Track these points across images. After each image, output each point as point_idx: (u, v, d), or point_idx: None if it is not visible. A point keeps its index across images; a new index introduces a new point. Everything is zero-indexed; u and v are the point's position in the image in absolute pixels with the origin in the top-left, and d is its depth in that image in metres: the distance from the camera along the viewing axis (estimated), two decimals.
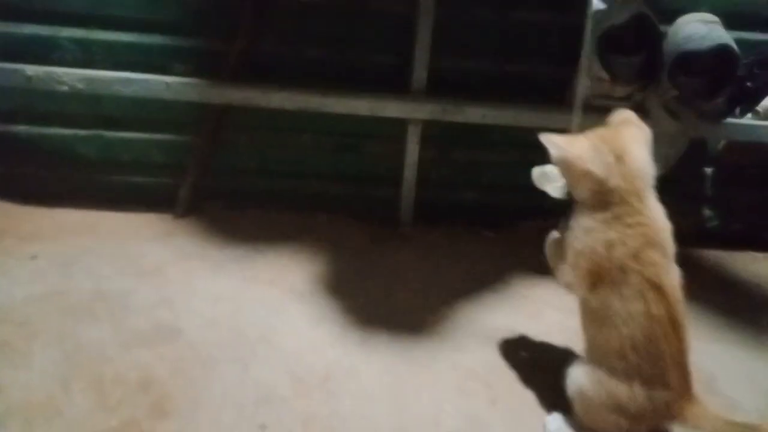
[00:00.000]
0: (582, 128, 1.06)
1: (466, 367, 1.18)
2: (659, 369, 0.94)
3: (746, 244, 1.77)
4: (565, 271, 1.01)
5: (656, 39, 1.42)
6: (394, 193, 1.70)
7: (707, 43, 1.39)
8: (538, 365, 1.20)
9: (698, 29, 1.44)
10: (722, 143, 1.65)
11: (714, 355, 1.28)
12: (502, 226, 1.76)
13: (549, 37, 1.56)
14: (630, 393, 0.93)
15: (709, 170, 1.74)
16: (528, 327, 1.33)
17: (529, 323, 1.35)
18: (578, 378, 0.98)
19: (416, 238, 1.67)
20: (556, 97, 1.59)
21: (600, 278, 0.95)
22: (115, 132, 1.60)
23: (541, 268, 1.54)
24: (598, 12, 1.39)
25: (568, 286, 1.02)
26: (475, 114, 1.48)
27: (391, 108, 1.48)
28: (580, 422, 0.99)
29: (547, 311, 1.39)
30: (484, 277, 1.52)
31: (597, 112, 1.49)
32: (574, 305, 1.38)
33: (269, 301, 1.33)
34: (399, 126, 1.60)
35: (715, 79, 1.44)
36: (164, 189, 1.64)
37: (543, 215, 1.77)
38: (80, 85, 1.42)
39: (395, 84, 1.55)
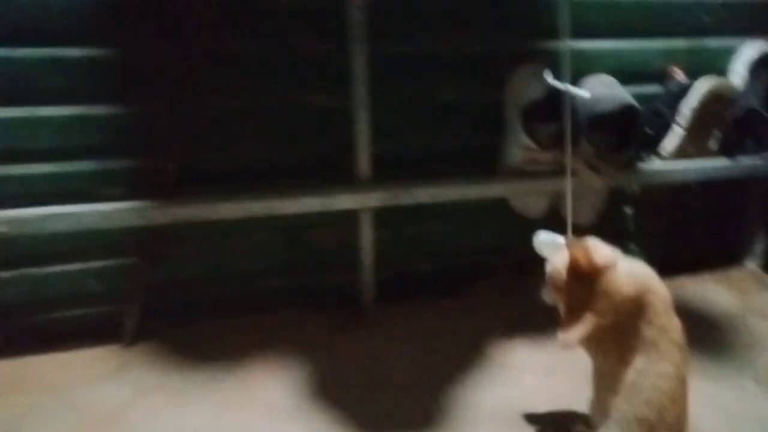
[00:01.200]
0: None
1: None
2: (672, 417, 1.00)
3: (669, 270, 1.95)
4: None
5: (570, 106, 1.56)
6: (352, 277, 1.70)
7: (613, 104, 1.55)
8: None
9: (602, 91, 1.61)
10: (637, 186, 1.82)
11: None
12: (459, 291, 1.81)
13: (475, 113, 1.67)
14: None
15: (628, 210, 1.92)
16: (510, 396, 1.36)
17: (511, 392, 1.38)
18: None
19: (380, 321, 1.67)
20: (488, 165, 1.69)
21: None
22: (44, 268, 1.47)
23: (505, 328, 1.62)
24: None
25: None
26: (423, 195, 1.53)
27: (342, 201, 1.49)
28: None
29: (525, 377, 1.43)
30: (454, 351, 1.54)
31: (530, 177, 1.63)
32: (550, 365, 1.46)
33: (245, 428, 1.26)
34: (345, 212, 1.62)
35: (623, 133, 1.61)
36: (108, 319, 1.52)
37: (493, 273, 1.86)
38: (4, 228, 1.30)
39: (338, 173, 1.57)
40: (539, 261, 1.87)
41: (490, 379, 1.43)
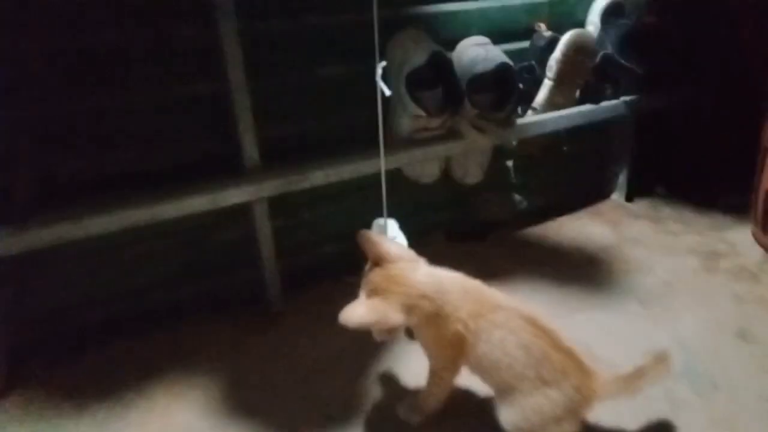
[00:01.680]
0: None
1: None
2: (549, 365, 1.05)
3: (549, 214, 2.09)
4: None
5: (451, 70, 1.57)
6: (253, 274, 1.60)
7: (490, 64, 1.58)
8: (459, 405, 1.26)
9: (478, 52, 1.62)
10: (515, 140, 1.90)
11: (580, 324, 1.49)
12: (359, 268, 1.78)
13: (357, 88, 1.60)
14: (548, 400, 1.03)
15: (509, 163, 2.00)
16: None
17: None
18: (506, 416, 1.06)
19: (289, 313, 1.59)
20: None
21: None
22: None
23: None
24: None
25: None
26: (318, 177, 1.45)
27: (233, 195, 1.36)
28: None
29: None
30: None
31: (418, 146, 1.63)
32: None
33: None
34: (238, 206, 1.50)
35: (501, 91, 1.66)
36: None
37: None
38: None
39: (225, 166, 1.44)
40: (440, 225, 1.93)
41: (409, 352, 1.43)
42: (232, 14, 1.29)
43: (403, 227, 1.85)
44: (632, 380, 1.08)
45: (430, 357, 1.14)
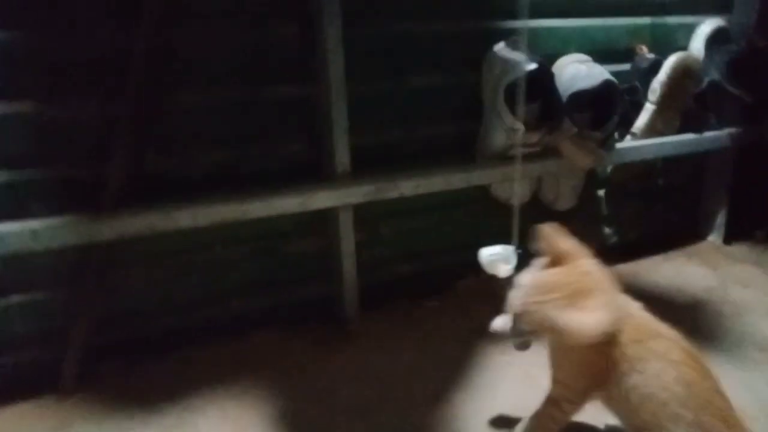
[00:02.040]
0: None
1: None
2: (712, 411, 0.90)
3: (641, 251, 1.94)
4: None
5: (552, 84, 1.49)
6: (329, 288, 1.52)
7: (593, 81, 1.49)
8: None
9: (579, 68, 1.55)
10: (611, 166, 1.78)
11: None
12: (442, 291, 1.68)
13: (449, 98, 1.55)
14: None
15: (601, 192, 1.88)
16: (528, 394, 1.24)
17: (527, 390, 1.26)
18: None
19: (366, 333, 1.49)
20: (466, 154, 1.58)
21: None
22: None
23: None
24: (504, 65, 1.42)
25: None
26: (408, 186, 1.38)
27: (321, 198, 1.30)
28: None
29: (537, 373, 1.32)
30: (451, 353, 1.40)
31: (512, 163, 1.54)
32: None
33: None
34: (320, 215, 1.44)
35: (601, 110, 1.56)
36: (40, 366, 1.23)
37: (475, 271, 1.74)
38: None
39: (311, 173, 1.39)
40: (524, 254, 1.80)
41: (500, 378, 1.30)
42: (338, 16, 1.27)
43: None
44: None
45: (559, 382, 0.97)
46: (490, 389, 1.27)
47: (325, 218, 1.44)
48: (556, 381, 0.96)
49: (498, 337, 0.99)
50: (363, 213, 1.47)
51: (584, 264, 0.90)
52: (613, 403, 0.92)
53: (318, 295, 1.53)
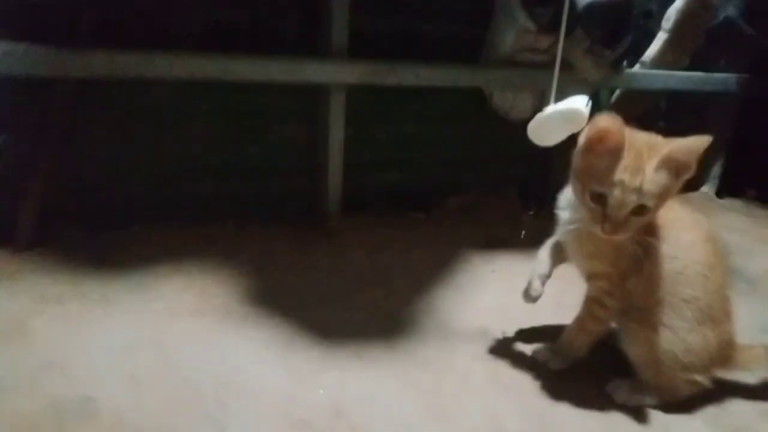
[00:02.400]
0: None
1: (488, 358, 0.98)
2: (723, 298, 0.87)
3: None
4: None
5: None
6: (313, 182, 1.44)
7: None
8: (553, 333, 1.06)
9: None
10: (616, 96, 1.72)
11: None
12: (429, 206, 1.61)
13: None
14: (703, 341, 0.84)
15: None
16: (510, 297, 1.18)
17: (509, 293, 1.20)
18: (643, 339, 0.85)
19: (346, 231, 1.42)
20: (471, 57, 1.50)
21: None
22: None
23: (492, 240, 1.45)
24: None
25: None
26: (407, 74, 1.29)
27: (312, 71, 1.21)
28: (648, 385, 0.87)
29: (519, 280, 1.26)
30: (435, 258, 1.34)
31: (518, 68, 1.46)
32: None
33: (204, 335, 0.97)
34: (311, 102, 1.35)
35: (616, 28, 1.49)
36: None
37: (467, 189, 1.68)
38: None
39: (306, 50, 1.30)
40: (515, 178, 1.74)
41: (483, 283, 1.24)
42: None
43: (479, 171, 1.69)
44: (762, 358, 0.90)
45: (597, 276, 0.87)
46: (472, 290, 1.21)
47: (315, 103, 1.35)
48: (593, 277, 0.88)
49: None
50: (356, 109, 1.39)
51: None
52: (638, 286, 0.85)
53: (300, 188, 1.45)
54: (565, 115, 0.84)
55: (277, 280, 1.17)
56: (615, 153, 0.74)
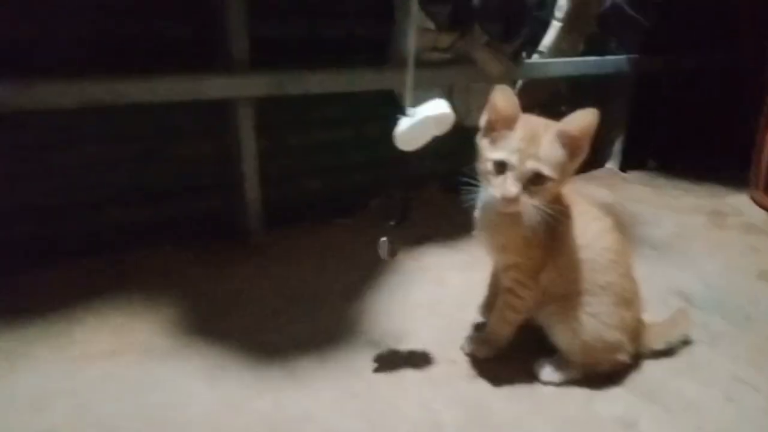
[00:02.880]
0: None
1: (419, 355, 0.99)
2: (632, 282, 0.93)
3: None
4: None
5: None
6: (230, 199, 1.39)
7: None
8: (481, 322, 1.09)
9: None
10: (519, 86, 1.79)
11: None
12: (354, 210, 1.61)
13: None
14: (622, 321, 0.89)
15: None
16: (438, 293, 1.21)
17: (438, 289, 1.23)
18: (567, 323, 0.89)
19: (270, 246, 1.39)
20: (378, 58, 1.51)
21: None
22: None
23: (419, 238, 1.47)
24: None
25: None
26: (314, 81, 1.28)
27: (213, 86, 1.17)
28: (573, 362, 0.91)
29: (447, 274, 1.29)
30: (362, 262, 1.33)
31: (425, 67, 1.48)
32: (468, 262, 1.34)
33: (122, 377, 0.91)
34: (219, 113, 1.31)
35: (511, 22, 1.54)
36: None
37: (389, 189, 1.69)
38: None
39: (209, 62, 1.26)
40: (436, 174, 1.77)
41: (412, 282, 1.26)
42: None
43: (399, 170, 1.71)
44: (666, 332, 0.99)
45: (509, 267, 0.90)
46: (402, 291, 1.22)
47: (224, 117, 1.31)
48: (506, 269, 0.90)
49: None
50: (268, 119, 1.36)
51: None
52: (555, 277, 0.89)
53: (217, 207, 1.41)
54: (436, 119, 0.86)
55: (200, 306, 1.13)
56: (512, 121, 0.80)
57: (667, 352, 1.00)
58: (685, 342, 1.02)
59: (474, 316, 1.09)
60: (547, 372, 0.92)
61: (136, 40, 1.19)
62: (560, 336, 0.91)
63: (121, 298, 1.13)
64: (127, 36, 1.19)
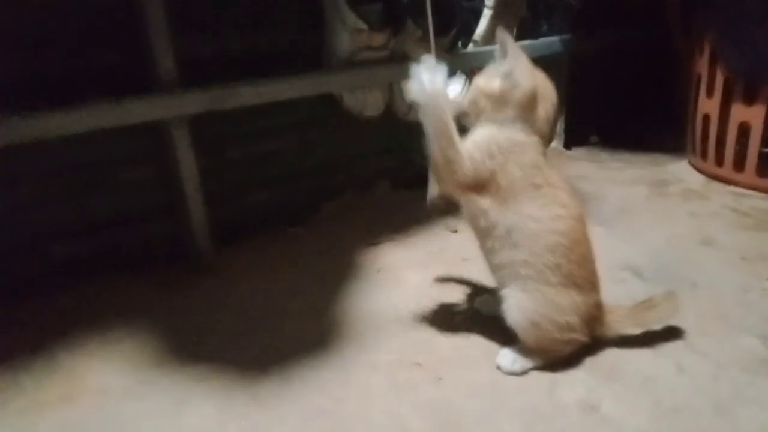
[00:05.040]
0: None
1: (384, 362, 0.99)
2: (588, 271, 0.94)
3: None
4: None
5: None
6: (175, 222, 1.35)
7: None
8: (442, 320, 1.10)
9: None
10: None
11: None
12: (305, 217, 1.59)
13: (289, 6, 1.43)
14: (571, 303, 0.91)
15: None
16: (399, 294, 1.21)
17: (401, 290, 1.23)
18: (518, 303, 0.91)
19: (223, 266, 1.36)
20: (313, 62, 1.49)
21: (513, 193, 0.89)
22: None
23: (369, 239, 1.47)
24: None
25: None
26: (249, 94, 1.25)
27: (142, 109, 1.13)
28: (531, 348, 0.93)
29: (407, 274, 1.29)
30: (320, 271, 1.33)
31: (361, 67, 1.47)
32: (423, 260, 1.35)
33: (78, 423, 0.88)
34: (154, 137, 1.26)
35: (442, 15, 1.55)
36: None
37: (339, 192, 1.68)
38: None
39: (131, 88, 1.20)
40: (384, 172, 1.76)
41: (369, 284, 1.26)
42: None
43: (347, 173, 1.70)
44: (639, 313, 0.99)
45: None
46: (362, 295, 1.22)
47: (158, 140, 1.26)
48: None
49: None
50: (206, 135, 1.32)
51: None
52: (492, 231, 0.90)
53: (163, 232, 1.36)
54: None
55: (156, 338, 1.09)
56: None
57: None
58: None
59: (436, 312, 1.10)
60: (508, 361, 0.94)
61: (65, 72, 1.13)
62: (511, 315, 0.92)
63: (71, 338, 1.08)
64: (55, 69, 1.13)
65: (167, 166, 1.29)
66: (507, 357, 0.94)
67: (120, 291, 1.24)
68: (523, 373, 0.93)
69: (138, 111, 1.12)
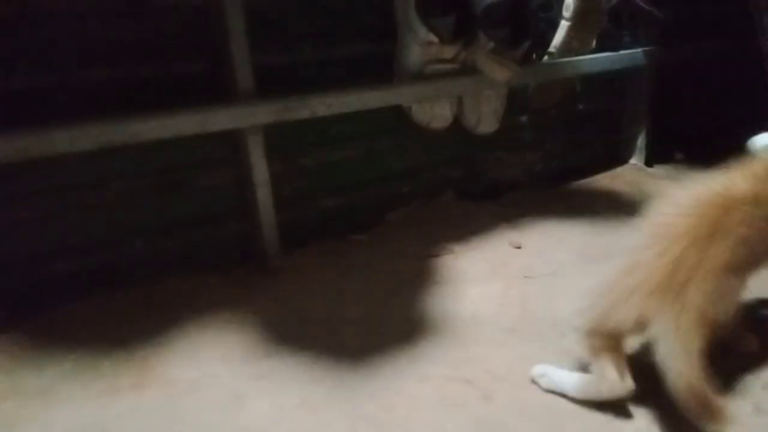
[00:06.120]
0: None
1: (435, 375, 0.99)
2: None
3: (567, 177, 1.95)
4: None
5: None
6: (246, 225, 1.42)
7: None
8: (499, 338, 1.08)
9: None
10: (531, 89, 1.76)
11: None
12: (370, 226, 1.62)
13: (362, 16, 1.47)
14: None
15: (523, 119, 1.86)
16: (462, 307, 1.20)
17: (454, 305, 1.22)
18: None
19: (289, 269, 1.41)
20: (385, 74, 1.52)
21: None
22: None
23: (430, 249, 1.47)
24: None
25: None
26: (320, 105, 1.29)
27: (223, 117, 1.20)
28: None
29: (466, 287, 1.28)
30: (381, 280, 1.34)
31: (431, 80, 1.48)
32: (488, 272, 1.33)
33: (147, 410, 0.94)
34: (230, 143, 1.34)
35: (516, 26, 1.53)
36: None
37: (405, 201, 1.70)
38: None
39: (215, 95, 1.28)
40: (450, 183, 1.76)
41: (429, 294, 1.26)
42: None
43: (413, 182, 1.71)
44: None
45: None
46: (420, 305, 1.22)
47: (235, 146, 1.34)
48: None
49: None
50: (280, 142, 1.38)
51: None
52: None
53: (235, 234, 1.43)
54: None
55: (221, 336, 1.15)
56: None
57: None
58: None
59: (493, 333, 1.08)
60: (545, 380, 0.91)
61: (150, 82, 1.23)
62: None
63: (146, 330, 1.16)
64: (141, 78, 1.23)
65: (241, 172, 1.36)
66: (544, 376, 0.91)
67: (192, 288, 1.32)
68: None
69: (218, 119, 1.19)
